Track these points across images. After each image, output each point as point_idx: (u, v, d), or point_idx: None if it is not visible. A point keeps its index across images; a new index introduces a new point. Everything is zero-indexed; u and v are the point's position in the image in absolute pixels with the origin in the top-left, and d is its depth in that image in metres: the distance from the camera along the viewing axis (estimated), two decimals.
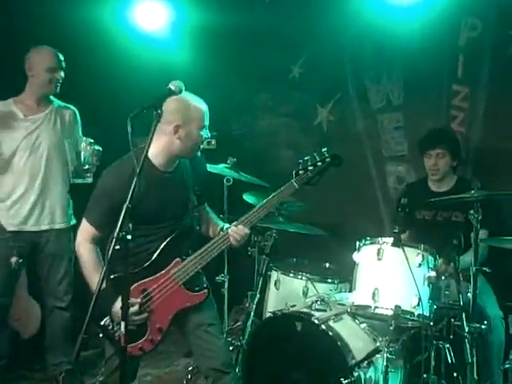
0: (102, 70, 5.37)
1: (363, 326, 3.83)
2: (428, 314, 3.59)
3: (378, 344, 3.67)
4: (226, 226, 3.32)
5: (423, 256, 3.62)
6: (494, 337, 3.94)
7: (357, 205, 5.32)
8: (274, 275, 4.43)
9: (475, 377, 3.45)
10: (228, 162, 4.50)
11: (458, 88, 5.00)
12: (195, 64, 5.54)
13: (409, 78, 5.21)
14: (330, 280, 4.33)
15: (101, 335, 3.15)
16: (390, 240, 3.64)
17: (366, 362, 3.56)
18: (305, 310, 3.89)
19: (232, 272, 4.59)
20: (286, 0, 5.41)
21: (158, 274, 3.18)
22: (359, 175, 5.37)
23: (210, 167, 4.27)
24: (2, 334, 4.33)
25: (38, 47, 4.22)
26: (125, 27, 5.53)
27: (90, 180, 4.22)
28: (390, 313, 3.53)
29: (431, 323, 3.62)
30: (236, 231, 3.22)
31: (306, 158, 3.30)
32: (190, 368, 4.27)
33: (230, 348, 4.19)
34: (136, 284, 3.12)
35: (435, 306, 3.66)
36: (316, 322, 3.66)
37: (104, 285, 2.58)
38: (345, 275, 4.21)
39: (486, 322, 3.60)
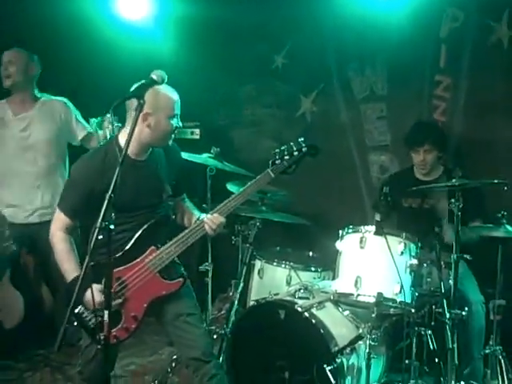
0: (85, 61, 5.35)
1: (346, 313, 3.88)
2: (410, 301, 3.64)
3: (360, 331, 3.72)
4: (203, 215, 3.30)
5: (405, 244, 3.67)
6: (475, 321, 3.98)
7: (340, 194, 5.34)
8: (258, 264, 4.45)
9: (456, 362, 3.51)
10: (211, 151, 4.50)
11: (441, 78, 5.04)
12: (179, 55, 5.54)
13: (392, 69, 5.24)
14: (313, 268, 4.36)
15: (75, 323, 3.11)
16: (373, 228, 3.68)
17: (348, 348, 3.61)
18: (288, 298, 3.92)
19: (216, 261, 4.59)
20: None
21: (134, 262, 3.17)
22: (342, 165, 5.40)
23: (194, 157, 4.29)
24: None
25: None
26: (108, 17, 5.50)
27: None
28: (373, 300, 3.57)
29: (413, 310, 3.68)
30: (211, 219, 3.20)
31: (282, 148, 3.31)
32: (175, 357, 4.27)
33: (214, 336, 4.22)
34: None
35: (417, 293, 3.71)
36: (299, 309, 3.69)
37: (81, 274, 2.58)
38: (328, 263, 4.23)
39: (466, 309, 3.66)
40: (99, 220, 2.59)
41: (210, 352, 3.32)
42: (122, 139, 3.14)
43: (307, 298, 3.89)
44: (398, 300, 3.60)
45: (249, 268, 4.42)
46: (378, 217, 3.68)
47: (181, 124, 3.24)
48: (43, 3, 4.89)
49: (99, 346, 2.72)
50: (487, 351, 3.77)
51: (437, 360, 3.77)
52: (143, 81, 2.92)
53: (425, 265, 3.84)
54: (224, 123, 6.00)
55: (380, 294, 3.56)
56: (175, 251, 3.19)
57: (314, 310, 3.73)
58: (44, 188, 4.19)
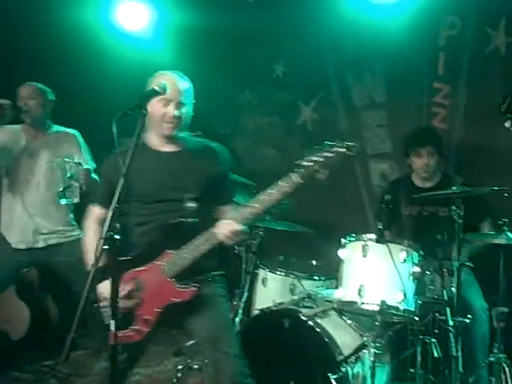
0: (85, 71, 5.39)
1: (350, 321, 3.89)
2: (413, 309, 3.65)
3: (364, 339, 3.73)
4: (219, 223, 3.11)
5: (407, 252, 3.68)
6: (479, 328, 3.99)
7: (342, 202, 5.37)
8: (262, 273, 4.47)
9: (461, 370, 3.53)
10: None
11: (439, 85, 5.08)
12: (178, 64, 5.44)
13: (391, 76, 5.27)
14: (316, 277, 4.37)
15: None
16: (375, 236, 3.70)
17: (353, 357, 3.62)
18: (292, 306, 3.94)
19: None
20: (268, 0, 5.44)
21: (150, 265, 3.12)
22: (343, 173, 5.40)
23: None
24: None
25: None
26: (107, 28, 5.56)
27: (76, 200, 4.22)
28: (376, 308, 3.58)
29: (417, 318, 3.69)
30: (224, 226, 3.00)
31: (315, 147, 2.89)
32: (180, 367, 4.29)
33: None
34: (128, 272, 3.10)
35: (420, 301, 3.72)
36: (303, 318, 3.71)
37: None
38: (331, 272, 4.25)
39: (469, 316, 3.67)
40: (104, 230, 2.62)
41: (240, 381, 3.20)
42: (151, 139, 3.25)
43: (311, 307, 3.91)
44: (402, 308, 3.60)
45: (252, 277, 4.45)
46: (379, 225, 3.71)
47: (177, 112, 3.16)
48: (42, 14, 4.91)
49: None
50: (492, 359, 3.76)
51: (441, 368, 3.79)
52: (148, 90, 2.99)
53: (427, 272, 3.86)
54: (225, 132, 6.04)
55: (383, 302, 3.56)
56: (190, 257, 3.06)
57: (318, 319, 3.74)
58: (47, 213, 4.23)
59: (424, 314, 3.80)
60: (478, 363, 3.99)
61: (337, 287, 3.87)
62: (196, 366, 4.23)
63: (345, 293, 3.74)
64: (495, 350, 3.75)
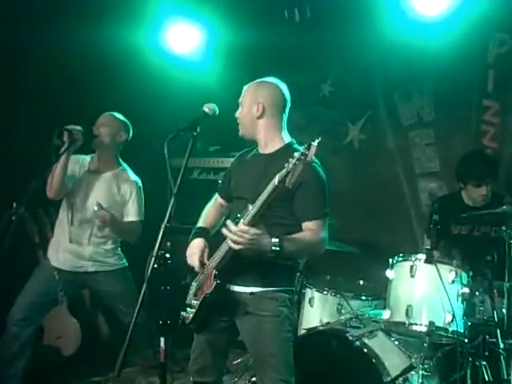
0: (137, 94, 5.52)
1: (397, 342, 3.85)
2: (462, 331, 3.60)
3: (412, 361, 3.68)
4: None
5: (456, 272, 3.64)
6: None
7: (389, 222, 5.34)
8: (309, 293, 4.47)
9: None
10: None
11: (489, 103, 5.03)
12: (227, 85, 5.64)
13: (439, 95, 5.25)
14: (363, 297, 4.36)
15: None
16: (423, 257, 3.67)
17: (400, 378, 3.58)
18: (339, 327, 3.93)
19: None
20: (315, 20, 5.49)
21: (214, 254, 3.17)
22: (391, 192, 5.40)
23: None
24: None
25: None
26: (158, 51, 5.68)
27: (105, 248, 4.33)
28: (424, 329, 3.55)
29: (466, 340, 3.63)
30: (230, 230, 2.87)
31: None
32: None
33: None
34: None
35: (470, 323, 3.67)
36: (350, 338, 3.69)
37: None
38: (379, 292, 4.23)
39: None
40: (155, 249, 2.69)
41: None
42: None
43: (358, 327, 3.89)
44: (451, 329, 3.56)
45: (299, 297, 4.46)
46: (428, 245, 3.68)
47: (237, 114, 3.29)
48: (94, 38, 5.04)
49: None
50: None
51: None
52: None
53: (477, 293, 3.79)
54: None
55: (432, 323, 3.53)
56: (223, 253, 3.03)
57: (365, 339, 3.72)
58: (93, 241, 4.31)
59: (474, 335, 3.74)
60: None
61: (384, 307, 3.85)
62: None
63: (392, 313, 3.72)
64: None
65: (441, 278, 3.56)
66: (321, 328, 3.98)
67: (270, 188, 2.80)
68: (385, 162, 5.44)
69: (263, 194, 2.83)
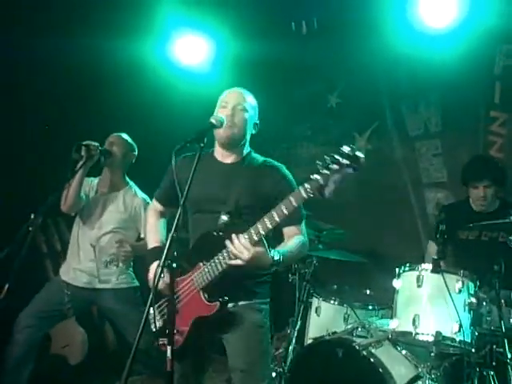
0: (144, 105, 5.55)
1: (404, 352, 3.84)
2: (470, 341, 3.58)
3: (419, 370, 3.68)
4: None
5: (463, 282, 3.63)
6: None
7: (396, 231, 5.34)
8: (315, 302, 4.47)
9: None
10: None
11: (496, 114, 5.04)
12: None
13: (446, 106, 5.26)
14: (370, 306, 4.36)
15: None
16: (430, 266, 3.67)
17: None
18: (346, 336, 3.93)
19: (273, 299, 4.63)
20: (322, 32, 5.54)
21: (185, 276, 3.09)
22: (398, 202, 5.41)
23: None
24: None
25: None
26: (166, 62, 5.72)
27: (114, 268, 4.35)
28: (431, 339, 3.53)
29: (473, 350, 3.61)
30: (233, 244, 2.85)
31: (325, 158, 2.69)
32: None
33: (273, 375, 4.23)
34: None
35: (477, 333, 3.65)
36: (357, 348, 3.69)
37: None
38: (385, 302, 4.22)
39: None
40: (162, 259, 2.68)
41: None
42: (217, 150, 3.24)
43: (365, 337, 3.89)
44: (458, 339, 3.54)
45: (306, 306, 4.46)
46: (435, 255, 3.68)
47: (223, 119, 3.07)
48: (102, 49, 5.09)
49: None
50: None
51: None
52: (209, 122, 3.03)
53: (484, 303, 3.77)
54: (279, 162, 6.08)
55: (439, 333, 3.52)
56: (214, 271, 2.97)
57: (372, 349, 3.71)
58: (103, 261, 4.34)
59: (481, 345, 3.72)
60: None
61: (391, 317, 3.84)
62: None
63: (399, 323, 3.70)
64: None
65: (448, 288, 3.55)
66: (327, 337, 3.99)
67: (289, 205, 2.77)
68: (392, 173, 5.45)
69: (276, 213, 2.80)
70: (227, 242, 2.87)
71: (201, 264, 3.05)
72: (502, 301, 3.67)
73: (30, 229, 3.54)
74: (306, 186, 2.72)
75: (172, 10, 5.26)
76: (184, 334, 3.06)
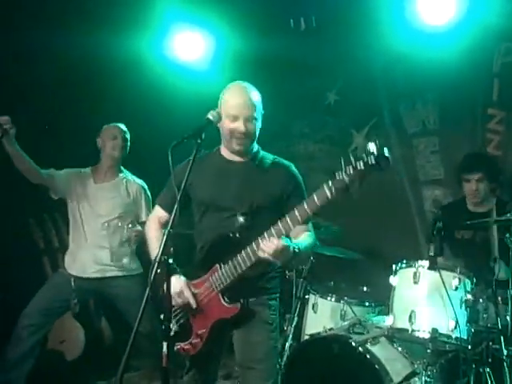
0: (142, 102, 5.54)
1: (400, 348, 3.86)
2: (466, 338, 3.60)
3: (415, 367, 3.70)
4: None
5: (460, 279, 3.64)
6: None
7: (393, 228, 5.34)
8: (312, 298, 4.48)
9: None
10: None
11: (494, 112, 5.04)
12: None
13: (444, 103, 5.27)
14: (367, 303, 4.37)
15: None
16: (426, 263, 3.68)
17: None
18: (342, 332, 3.94)
19: None
20: (321, 29, 5.53)
21: (201, 279, 3.08)
22: (396, 199, 5.41)
23: None
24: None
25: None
26: (163, 58, 5.69)
27: (127, 248, 4.44)
28: (428, 336, 3.55)
29: (469, 346, 3.63)
30: (265, 244, 2.81)
31: (350, 157, 2.63)
32: None
33: None
34: (185, 283, 3.08)
35: (473, 330, 3.66)
36: (354, 344, 3.70)
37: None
38: (382, 298, 4.22)
39: None
40: (159, 254, 2.68)
41: None
42: (224, 149, 3.21)
43: (361, 333, 3.90)
44: (454, 336, 3.56)
45: (303, 303, 4.47)
46: (431, 251, 3.69)
47: (243, 128, 3.06)
48: (99, 45, 5.08)
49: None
50: None
51: None
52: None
53: (481, 300, 3.78)
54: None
55: (435, 330, 3.53)
56: (232, 273, 2.97)
57: (368, 345, 3.73)
58: (109, 247, 4.39)
59: (477, 342, 3.73)
60: None
61: (387, 314, 3.85)
62: None
63: (396, 319, 3.72)
64: None
65: (444, 285, 3.56)
66: (324, 334, 4.00)
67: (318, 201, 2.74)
68: (389, 170, 5.43)
69: (299, 212, 2.79)
70: (261, 242, 2.82)
71: (217, 266, 3.04)
72: (499, 298, 3.67)
73: None
74: (330, 184, 2.68)
75: (170, 6, 5.23)
76: (204, 336, 3.07)
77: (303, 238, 3.07)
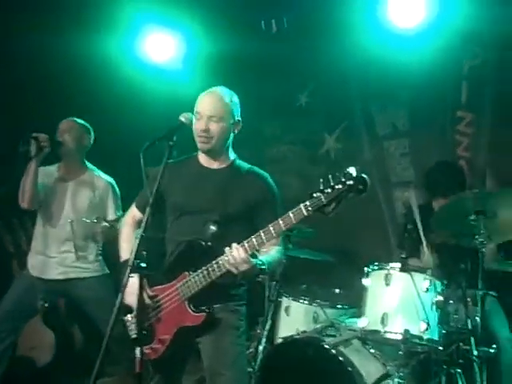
0: (114, 103, 5.50)
1: (373, 350, 3.87)
2: (437, 339, 3.63)
3: (388, 368, 3.72)
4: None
5: (431, 281, 3.67)
6: (504, 358, 3.93)
7: (365, 230, 5.37)
8: (285, 301, 4.47)
9: None
10: None
11: (463, 114, 5.11)
12: None
13: (414, 106, 5.32)
14: (339, 306, 4.38)
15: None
16: (398, 265, 3.71)
17: None
18: (315, 335, 3.94)
19: None
20: (293, 31, 5.53)
21: (168, 284, 3.05)
22: (367, 201, 5.37)
23: None
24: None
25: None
26: (135, 60, 5.66)
27: (92, 245, 4.37)
28: (400, 337, 3.57)
29: (440, 348, 3.66)
30: (231, 253, 2.81)
31: (329, 177, 2.64)
32: None
33: None
34: (151, 288, 3.04)
35: (444, 331, 3.70)
36: (326, 347, 3.70)
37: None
38: (354, 301, 4.24)
39: (494, 346, 3.64)
40: (131, 258, 2.67)
41: None
42: (201, 155, 3.18)
43: (334, 336, 3.91)
44: (425, 337, 3.59)
45: (276, 305, 4.45)
46: (403, 253, 3.71)
47: (203, 127, 3.03)
48: (70, 46, 5.03)
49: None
50: None
51: None
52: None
53: (451, 302, 3.84)
54: (248, 161, 6.08)
55: (407, 331, 3.56)
56: (201, 282, 2.94)
57: (341, 348, 3.73)
58: (72, 248, 4.31)
59: (448, 343, 3.76)
60: None
61: (360, 316, 3.86)
62: None
63: (368, 322, 3.73)
64: None
65: (415, 287, 3.60)
66: (297, 337, 3.99)
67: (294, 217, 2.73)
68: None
69: (273, 228, 2.79)
70: (228, 252, 2.83)
71: (186, 273, 3.01)
72: (469, 299, 3.72)
73: None
74: (308, 203, 2.67)
75: (142, 7, 5.21)
76: (166, 342, 3.04)
77: (271, 254, 3.05)
